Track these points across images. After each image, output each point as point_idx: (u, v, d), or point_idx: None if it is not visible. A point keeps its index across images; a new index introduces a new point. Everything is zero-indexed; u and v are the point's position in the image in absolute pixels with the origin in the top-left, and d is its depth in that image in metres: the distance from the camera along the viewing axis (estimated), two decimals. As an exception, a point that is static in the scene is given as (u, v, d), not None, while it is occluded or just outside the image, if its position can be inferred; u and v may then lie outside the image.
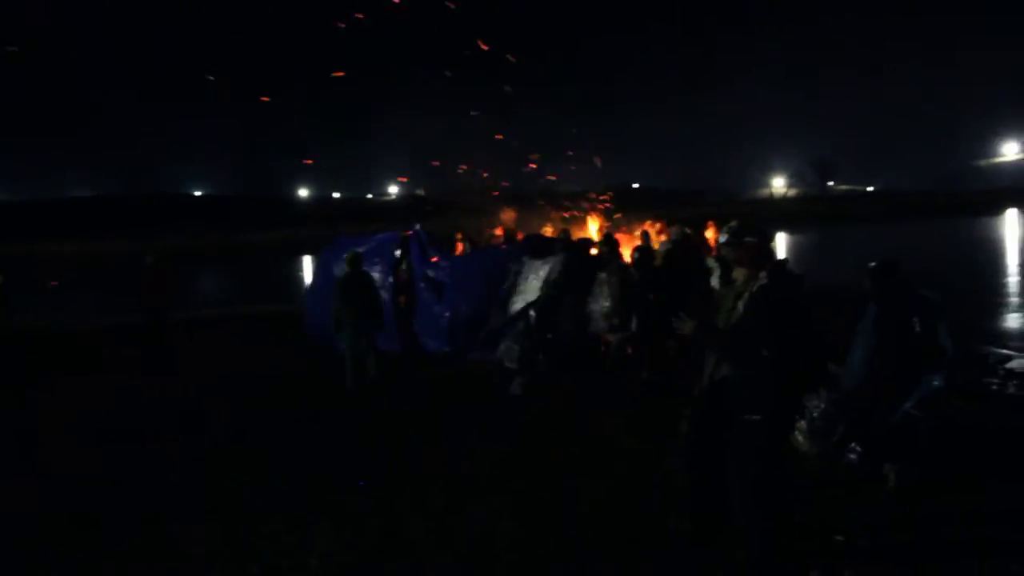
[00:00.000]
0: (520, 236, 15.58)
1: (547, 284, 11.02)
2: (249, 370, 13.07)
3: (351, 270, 11.53)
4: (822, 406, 7.27)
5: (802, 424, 7.32)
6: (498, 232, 16.75)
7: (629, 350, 10.29)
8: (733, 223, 5.77)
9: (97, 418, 10.52)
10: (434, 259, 13.77)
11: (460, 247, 15.01)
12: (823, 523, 6.11)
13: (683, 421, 5.85)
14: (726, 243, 5.67)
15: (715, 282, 10.77)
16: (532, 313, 10.95)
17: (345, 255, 11.81)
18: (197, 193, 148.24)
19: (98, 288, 34.65)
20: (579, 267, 10.77)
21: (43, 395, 11.89)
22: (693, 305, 6.49)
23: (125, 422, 10.25)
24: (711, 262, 11.35)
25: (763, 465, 5.24)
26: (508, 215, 17.39)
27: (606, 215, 19.34)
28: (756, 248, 5.51)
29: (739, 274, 5.55)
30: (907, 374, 6.84)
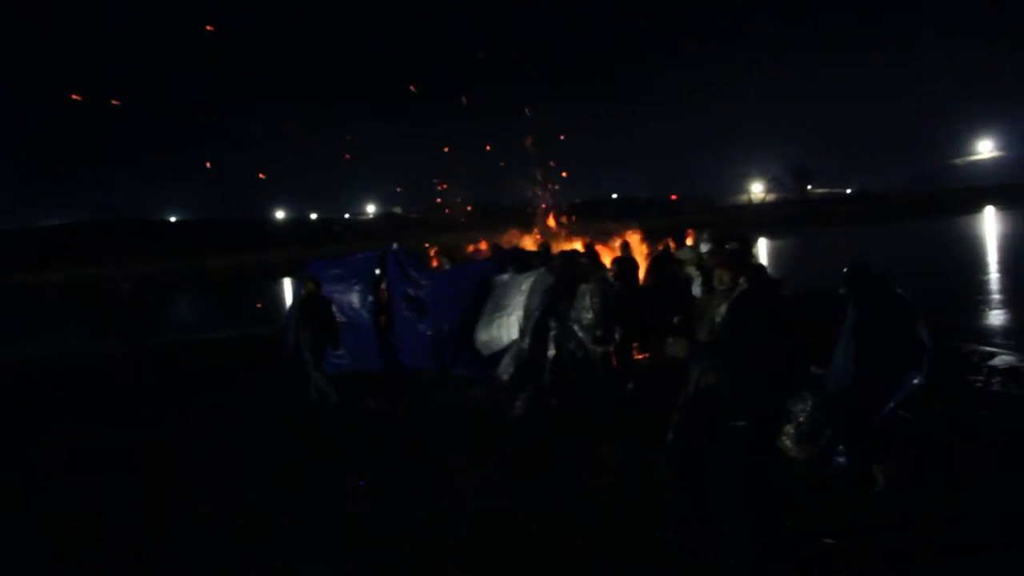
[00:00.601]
0: (485, 247, 15.68)
1: (542, 297, 10.92)
2: (228, 393, 12.98)
3: (310, 292, 11.85)
4: (808, 410, 7.31)
5: (789, 429, 7.36)
6: (483, 246, 16.79)
7: (614, 362, 10.32)
8: (708, 231, 5.88)
9: (73, 441, 10.44)
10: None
11: (435, 262, 15.01)
12: (813, 527, 6.15)
13: (670, 430, 5.88)
14: (709, 252, 5.76)
15: (696, 290, 10.81)
16: (527, 327, 10.86)
17: (305, 277, 12.24)
18: (172, 219, 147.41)
19: (76, 317, 34.45)
20: (570, 279, 10.78)
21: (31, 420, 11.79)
22: (682, 321, 6.53)
23: (101, 447, 10.21)
24: (692, 271, 11.40)
25: (750, 471, 5.28)
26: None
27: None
28: (736, 254, 5.60)
29: (721, 279, 5.61)
30: (888, 374, 6.92)
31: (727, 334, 5.35)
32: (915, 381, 6.97)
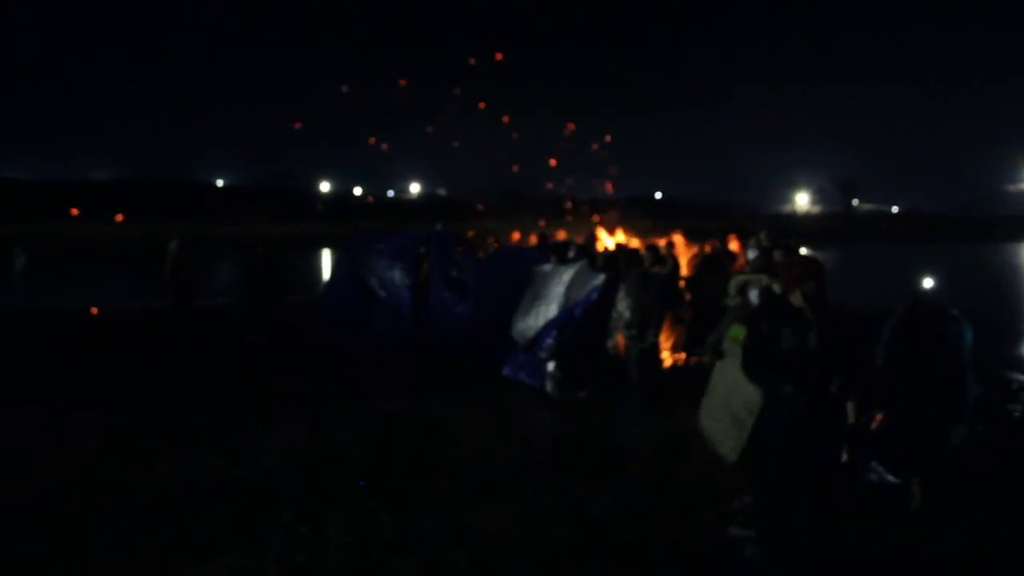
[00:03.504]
0: (534, 239, 15.66)
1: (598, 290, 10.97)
2: (266, 360, 13.06)
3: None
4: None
5: None
6: (515, 237, 16.82)
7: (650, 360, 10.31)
8: (754, 237, 5.84)
9: (106, 401, 10.50)
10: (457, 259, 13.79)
11: (481, 252, 15.05)
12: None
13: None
14: (756, 258, 5.71)
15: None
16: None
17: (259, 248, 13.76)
18: (219, 183, 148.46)
19: (119, 272, 34.94)
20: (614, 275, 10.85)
21: (53, 374, 11.98)
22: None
23: (133, 406, 10.27)
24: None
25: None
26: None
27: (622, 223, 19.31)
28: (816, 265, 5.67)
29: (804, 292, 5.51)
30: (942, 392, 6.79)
31: (844, 347, 5.41)
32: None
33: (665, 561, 5.92)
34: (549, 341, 10.93)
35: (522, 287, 12.16)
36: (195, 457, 8.23)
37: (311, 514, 6.71)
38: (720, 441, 6.31)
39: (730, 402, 6.24)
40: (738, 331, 6.39)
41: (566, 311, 11.05)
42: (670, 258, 12.98)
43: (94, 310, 18.69)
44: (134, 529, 6.52)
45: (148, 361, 12.99)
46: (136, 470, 7.88)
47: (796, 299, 5.43)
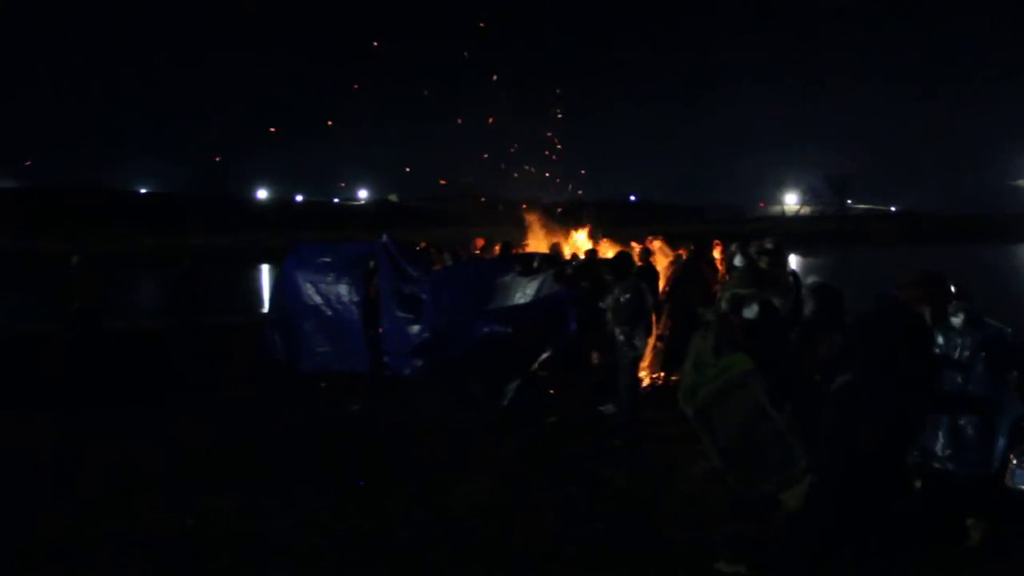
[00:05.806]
0: (497, 249, 15.65)
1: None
2: (192, 387, 12.98)
3: None
4: None
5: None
6: (480, 243, 16.78)
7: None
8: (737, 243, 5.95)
9: (20, 433, 10.45)
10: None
11: (437, 263, 15.02)
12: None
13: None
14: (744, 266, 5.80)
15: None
16: None
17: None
18: (143, 191, 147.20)
19: (22, 291, 34.54)
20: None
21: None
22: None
23: (47, 442, 10.17)
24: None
25: None
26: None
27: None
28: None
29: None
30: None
31: None
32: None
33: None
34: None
35: (482, 301, 12.16)
36: (124, 503, 8.10)
37: (253, 559, 6.70)
38: (787, 466, 6.33)
39: (751, 436, 6.33)
40: (739, 359, 6.51)
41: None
42: (648, 265, 13.06)
43: None
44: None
45: (56, 390, 12.78)
46: (62, 516, 7.77)
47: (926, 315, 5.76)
